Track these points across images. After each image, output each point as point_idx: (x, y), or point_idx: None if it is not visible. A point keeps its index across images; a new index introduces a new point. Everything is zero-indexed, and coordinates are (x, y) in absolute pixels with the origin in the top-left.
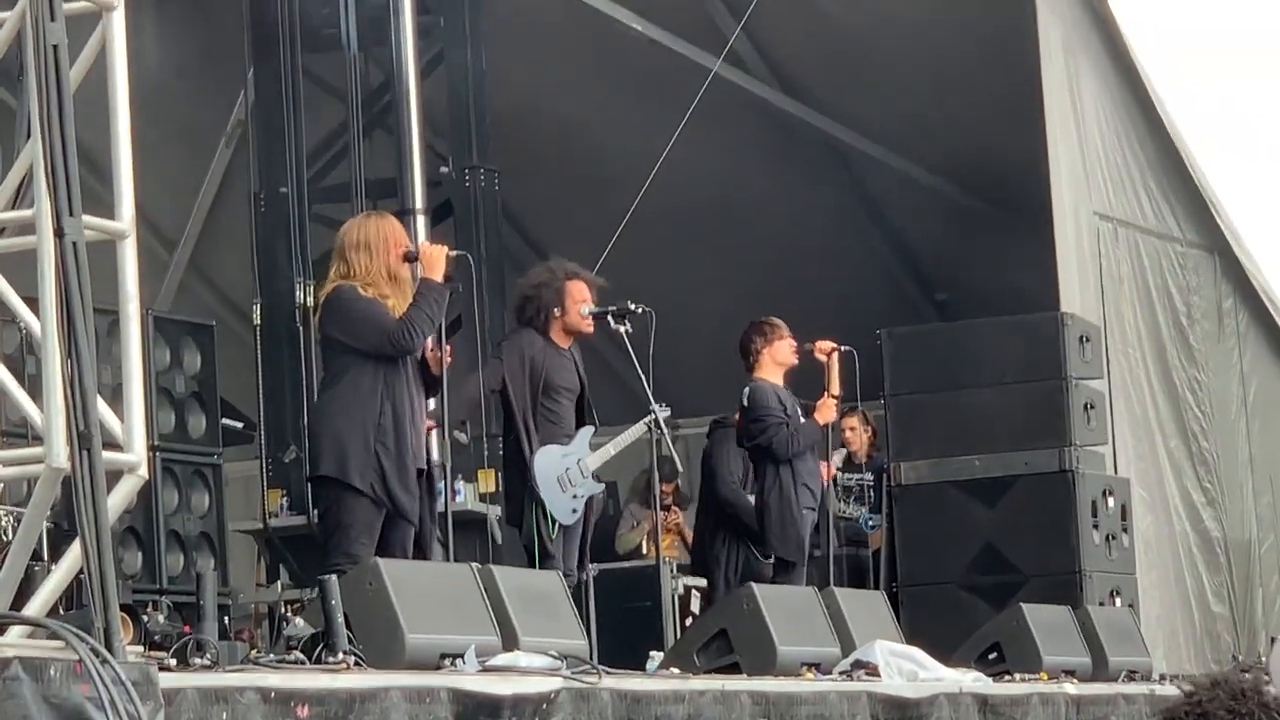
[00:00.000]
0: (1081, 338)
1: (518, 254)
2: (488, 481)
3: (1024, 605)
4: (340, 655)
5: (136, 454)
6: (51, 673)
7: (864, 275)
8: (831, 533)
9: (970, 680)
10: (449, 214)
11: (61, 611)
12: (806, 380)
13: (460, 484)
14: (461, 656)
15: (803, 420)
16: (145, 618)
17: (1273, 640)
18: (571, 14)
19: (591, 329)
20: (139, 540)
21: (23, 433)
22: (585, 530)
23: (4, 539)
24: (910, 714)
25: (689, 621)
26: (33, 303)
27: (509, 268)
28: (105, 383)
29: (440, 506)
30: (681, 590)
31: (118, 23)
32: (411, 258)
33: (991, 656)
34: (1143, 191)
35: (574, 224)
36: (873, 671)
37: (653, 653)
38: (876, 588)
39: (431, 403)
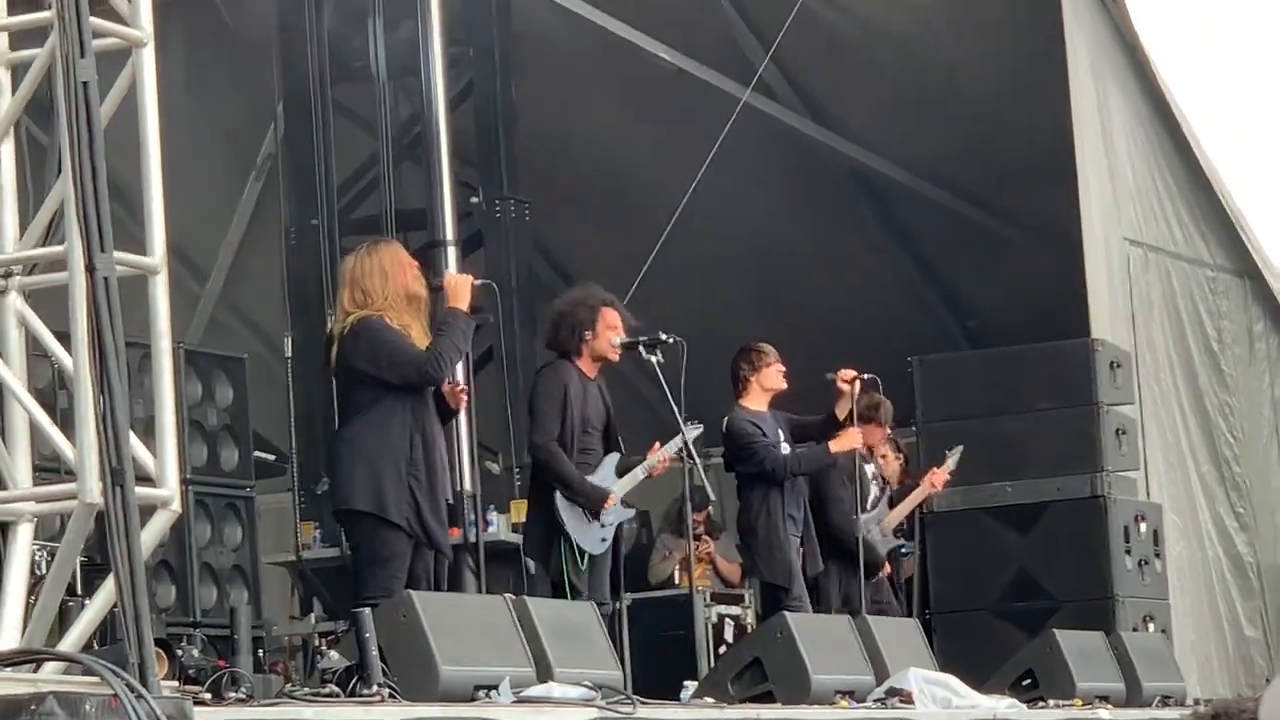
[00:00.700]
0: (1112, 363)
1: (549, 284)
2: (520, 512)
3: (1057, 631)
4: (375, 688)
5: (169, 489)
6: (87, 708)
7: (895, 302)
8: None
9: (1005, 707)
10: (479, 245)
11: (96, 647)
12: (814, 402)
13: (493, 514)
14: (496, 688)
15: (796, 448)
16: (180, 652)
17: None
18: (600, 44)
19: (618, 357)
20: (172, 574)
21: (55, 467)
22: (616, 558)
23: (38, 574)
24: None
25: (723, 650)
26: (64, 338)
27: (540, 298)
28: (137, 417)
29: (472, 537)
30: (715, 619)
31: (148, 58)
32: (436, 288)
33: (1025, 683)
34: (1172, 216)
35: (605, 254)
36: (907, 699)
37: (687, 682)
38: (910, 615)
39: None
